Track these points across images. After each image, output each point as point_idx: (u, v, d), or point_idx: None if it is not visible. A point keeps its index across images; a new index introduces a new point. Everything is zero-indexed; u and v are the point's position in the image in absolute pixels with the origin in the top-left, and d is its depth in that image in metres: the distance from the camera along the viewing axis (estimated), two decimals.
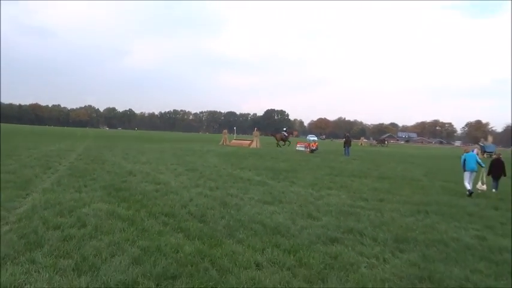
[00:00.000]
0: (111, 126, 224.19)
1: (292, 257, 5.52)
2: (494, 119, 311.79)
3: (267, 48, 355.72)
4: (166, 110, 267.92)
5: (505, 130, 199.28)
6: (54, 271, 4.65)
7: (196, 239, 6.13)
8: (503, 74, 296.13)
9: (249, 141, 44.50)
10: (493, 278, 5.11)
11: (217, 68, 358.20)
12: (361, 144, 79.22)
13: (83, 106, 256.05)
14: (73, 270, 4.71)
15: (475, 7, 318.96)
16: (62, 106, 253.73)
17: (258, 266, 5.16)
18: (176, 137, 77.41)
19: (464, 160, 13.68)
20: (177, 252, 5.48)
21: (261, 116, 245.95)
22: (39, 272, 4.62)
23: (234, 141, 47.85)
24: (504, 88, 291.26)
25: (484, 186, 13.58)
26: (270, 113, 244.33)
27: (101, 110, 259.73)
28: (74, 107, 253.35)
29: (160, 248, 5.59)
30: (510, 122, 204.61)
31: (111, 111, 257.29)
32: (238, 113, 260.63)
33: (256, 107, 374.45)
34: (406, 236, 6.95)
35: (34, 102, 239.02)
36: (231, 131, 57.26)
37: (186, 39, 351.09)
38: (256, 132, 45.06)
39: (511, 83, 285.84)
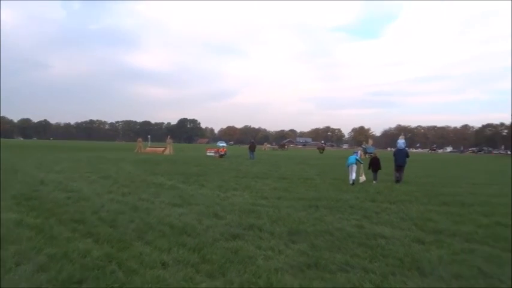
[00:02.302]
0: (25, 136, 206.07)
1: (196, 254, 5.43)
2: (374, 125, 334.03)
3: (180, 61, 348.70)
4: (82, 120, 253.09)
5: (382, 134, 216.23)
6: None
7: (105, 243, 5.78)
8: (378, 87, 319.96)
9: (162, 148, 43.50)
10: (368, 260, 5.42)
11: (132, 80, 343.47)
12: (265, 149, 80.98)
13: None
14: None
15: (360, 30, 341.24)
16: None
17: (163, 265, 4.99)
18: (92, 146, 73.33)
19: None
20: (85, 257, 5.13)
21: (174, 124, 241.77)
22: None
23: (148, 148, 46.48)
24: (380, 99, 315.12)
25: (364, 177, 16.20)
26: (183, 121, 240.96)
27: (15, 120, 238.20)
28: None
29: (67, 254, 5.20)
30: (387, 127, 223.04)
31: (26, 121, 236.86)
32: (153, 122, 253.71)
33: (171, 117, 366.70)
34: (298, 228, 7.17)
35: None
36: (146, 139, 55.58)
37: (102, 53, 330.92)
38: (169, 140, 44.22)
39: (387, 96, 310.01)
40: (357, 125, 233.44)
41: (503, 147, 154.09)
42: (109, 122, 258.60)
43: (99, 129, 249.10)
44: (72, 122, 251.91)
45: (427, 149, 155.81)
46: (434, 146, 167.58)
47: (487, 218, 8.88)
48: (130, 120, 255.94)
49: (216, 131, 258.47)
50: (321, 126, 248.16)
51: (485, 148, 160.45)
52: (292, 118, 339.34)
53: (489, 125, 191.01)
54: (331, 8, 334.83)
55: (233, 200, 10.54)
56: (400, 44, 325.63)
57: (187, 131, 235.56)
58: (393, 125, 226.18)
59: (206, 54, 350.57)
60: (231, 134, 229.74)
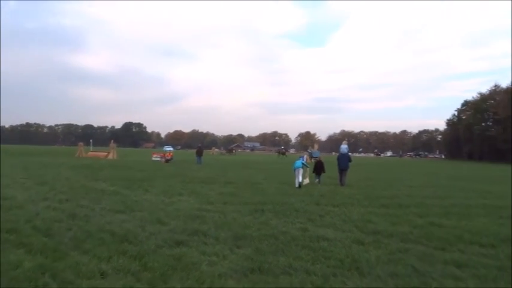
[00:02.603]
0: None
1: (137, 262, 5.27)
2: (320, 130, 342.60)
3: (127, 64, 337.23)
4: (18, 123, 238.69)
5: (328, 139, 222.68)
6: None
7: (38, 254, 5.46)
8: (324, 94, 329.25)
9: (105, 153, 42.03)
10: (311, 263, 5.52)
11: (75, 82, 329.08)
12: (213, 153, 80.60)
13: None
14: None
15: (307, 38, 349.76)
16: None
17: (102, 274, 4.80)
18: (28, 150, 69.24)
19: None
20: (16, 269, 4.83)
21: (119, 128, 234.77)
22: None
23: (90, 153, 44.74)
24: (325, 105, 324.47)
25: (308, 180, 17.34)
26: (128, 125, 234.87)
27: None
28: None
29: None
30: (332, 132, 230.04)
31: None
32: (96, 125, 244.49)
33: (115, 120, 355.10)
34: (244, 233, 7.17)
35: None
36: (88, 143, 53.44)
37: (40, 53, 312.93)
38: (112, 144, 42.85)
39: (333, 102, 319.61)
40: (303, 130, 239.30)
41: (437, 151, 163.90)
42: (48, 125, 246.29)
43: (36, 132, 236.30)
44: (7, 125, 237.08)
45: (373, 154, 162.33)
46: (376, 150, 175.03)
47: (422, 219, 9.36)
48: (71, 124, 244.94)
49: (162, 135, 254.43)
50: (269, 131, 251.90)
51: (421, 152, 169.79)
52: (241, 123, 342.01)
53: (425, 131, 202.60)
54: (279, 15, 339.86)
55: (178, 205, 10.37)
56: (345, 53, 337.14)
57: (132, 135, 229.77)
58: (338, 130, 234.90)
59: (154, 57, 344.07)
60: (178, 139, 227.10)
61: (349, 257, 5.82)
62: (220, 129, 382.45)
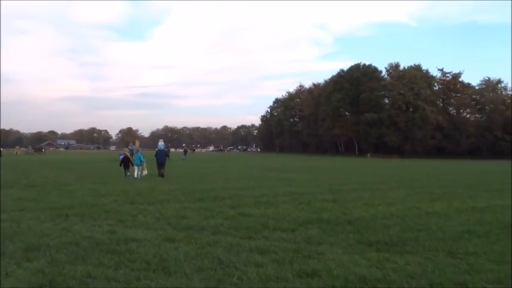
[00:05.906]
0: None
1: None
2: (143, 127, 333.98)
3: None
4: None
5: (151, 135, 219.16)
6: None
7: None
8: (147, 89, 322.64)
9: None
10: (113, 268, 5.09)
11: None
12: (17, 153, 70.79)
13: None
14: None
15: (128, 31, 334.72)
16: None
17: None
18: None
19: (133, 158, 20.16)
20: None
21: None
22: None
23: None
24: (148, 101, 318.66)
25: (146, 171, 20.04)
26: None
27: None
28: None
29: None
30: (155, 128, 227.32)
31: None
32: None
33: None
34: (38, 243, 6.26)
35: None
36: None
37: None
38: None
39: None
40: (125, 126, 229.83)
41: (254, 145, 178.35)
42: None
43: None
44: None
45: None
46: (221, 146, 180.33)
47: (234, 210, 9.81)
48: None
49: None
50: (86, 127, 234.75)
51: (240, 146, 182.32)
52: (53, 119, 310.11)
53: (243, 126, 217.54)
54: (94, 4, 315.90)
55: None
56: (167, 49, 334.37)
57: None
58: (161, 126, 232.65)
59: None
60: None
61: (157, 256, 5.61)
62: (28, 126, 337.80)
